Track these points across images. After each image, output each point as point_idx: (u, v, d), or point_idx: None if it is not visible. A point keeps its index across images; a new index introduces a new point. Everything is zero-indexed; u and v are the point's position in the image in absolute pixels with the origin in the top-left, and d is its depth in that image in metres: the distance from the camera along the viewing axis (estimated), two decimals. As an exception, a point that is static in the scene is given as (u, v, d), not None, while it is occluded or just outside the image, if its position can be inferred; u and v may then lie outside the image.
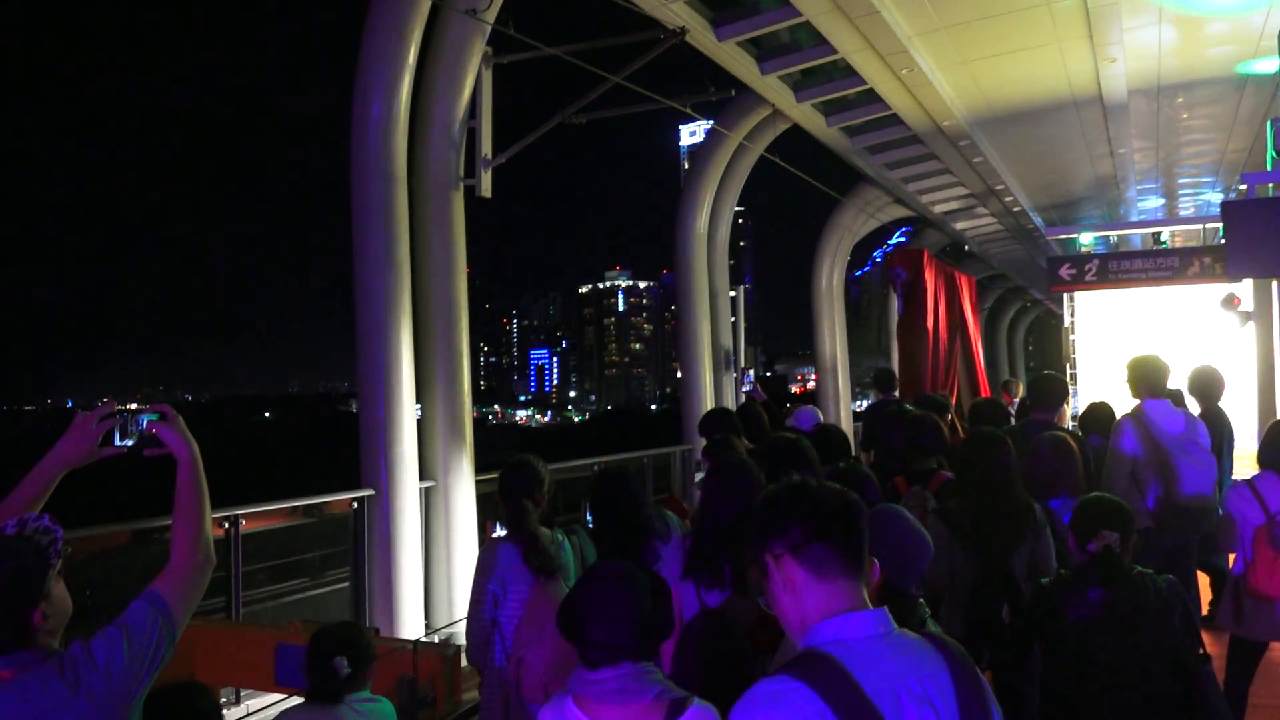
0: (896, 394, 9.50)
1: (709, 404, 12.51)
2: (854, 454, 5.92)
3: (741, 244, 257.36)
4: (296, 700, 3.35)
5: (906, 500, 4.64)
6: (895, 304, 14.71)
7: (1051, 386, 6.20)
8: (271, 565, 8.58)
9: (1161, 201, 16.00)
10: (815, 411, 7.30)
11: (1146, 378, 5.65)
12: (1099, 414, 6.58)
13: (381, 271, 7.59)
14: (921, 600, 2.46)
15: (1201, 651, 3.11)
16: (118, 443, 2.29)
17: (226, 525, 6.22)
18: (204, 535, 2.22)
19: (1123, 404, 6.02)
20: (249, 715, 5.60)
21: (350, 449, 7.92)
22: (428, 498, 8.00)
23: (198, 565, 2.19)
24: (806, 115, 11.27)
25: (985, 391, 14.50)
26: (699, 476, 4.97)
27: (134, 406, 2.32)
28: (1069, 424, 7.28)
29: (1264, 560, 4.48)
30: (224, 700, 5.50)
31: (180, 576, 2.16)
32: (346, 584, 7.79)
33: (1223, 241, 7.53)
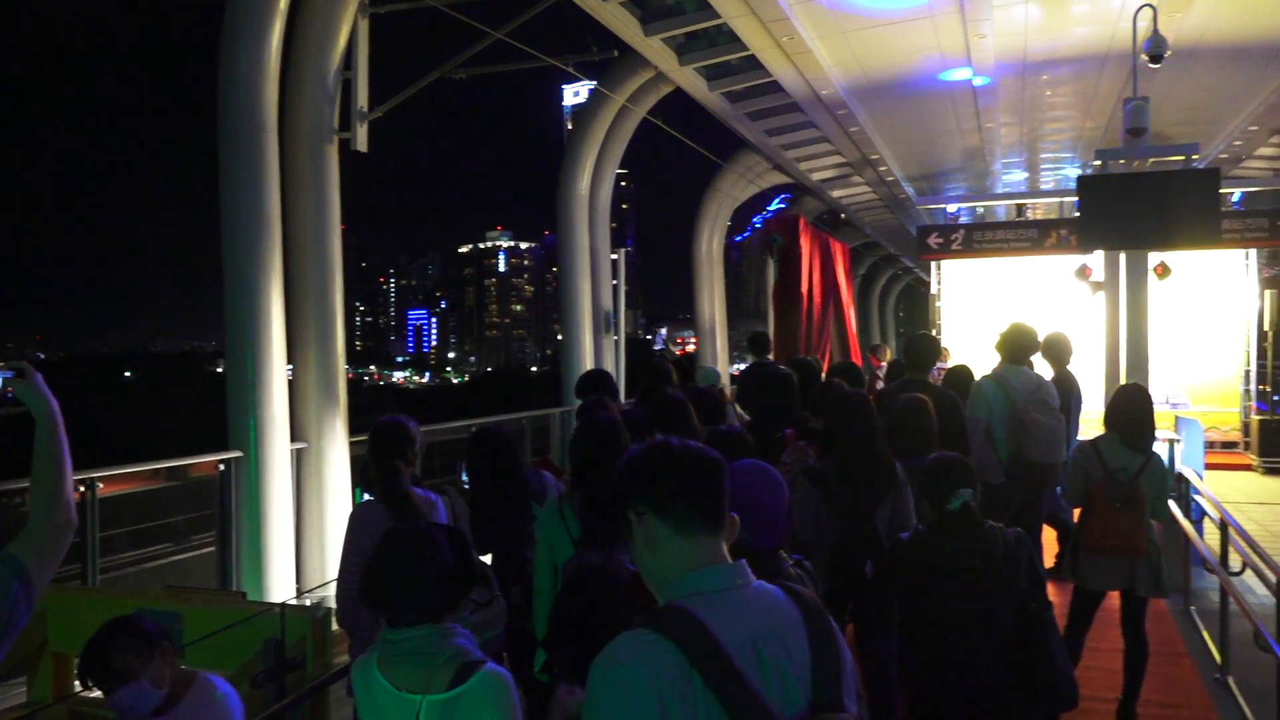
0: (771, 357, 9.70)
1: (589, 365, 12.55)
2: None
3: (624, 206, 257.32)
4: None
5: (789, 454, 4.78)
6: (773, 269, 14.99)
7: (924, 347, 6.41)
8: (132, 530, 8.28)
9: (1025, 175, 16.65)
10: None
11: (1010, 344, 5.92)
12: (958, 376, 6.90)
13: (251, 226, 7.33)
14: (782, 553, 2.54)
15: (1044, 600, 3.31)
16: None
17: (83, 489, 5.99)
18: (64, 496, 2.13)
19: (982, 367, 6.29)
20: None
21: (218, 410, 7.68)
22: (300, 459, 7.84)
23: (57, 527, 2.11)
24: (689, 79, 11.31)
25: (856, 355, 14.97)
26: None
27: None
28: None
29: (1098, 516, 4.80)
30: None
31: (38, 539, 2.07)
32: (212, 548, 7.58)
33: (1078, 215, 7.90)
